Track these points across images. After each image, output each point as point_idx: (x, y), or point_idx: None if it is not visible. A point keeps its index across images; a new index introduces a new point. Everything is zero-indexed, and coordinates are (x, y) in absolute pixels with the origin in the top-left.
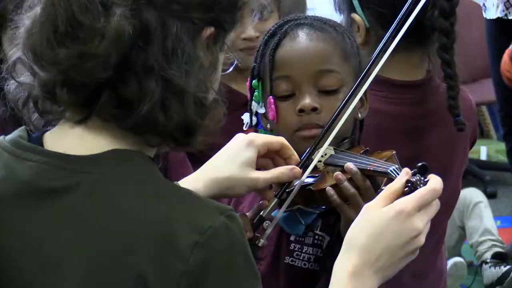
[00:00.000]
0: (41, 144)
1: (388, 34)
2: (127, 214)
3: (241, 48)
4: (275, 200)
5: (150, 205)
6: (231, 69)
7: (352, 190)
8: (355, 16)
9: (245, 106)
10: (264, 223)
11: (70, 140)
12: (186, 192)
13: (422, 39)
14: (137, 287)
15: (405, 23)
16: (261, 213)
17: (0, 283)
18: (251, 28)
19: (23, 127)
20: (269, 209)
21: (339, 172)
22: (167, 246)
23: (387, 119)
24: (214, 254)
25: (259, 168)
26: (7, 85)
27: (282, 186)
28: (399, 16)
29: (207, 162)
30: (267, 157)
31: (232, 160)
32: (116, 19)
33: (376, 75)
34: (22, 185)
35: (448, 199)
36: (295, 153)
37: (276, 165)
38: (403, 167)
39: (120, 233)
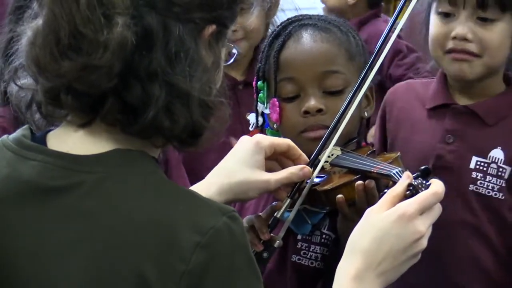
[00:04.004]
0: (45, 144)
1: (388, 28)
2: (129, 214)
3: None
4: (288, 200)
5: (153, 205)
6: (231, 60)
7: (364, 198)
8: None
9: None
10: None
11: (74, 140)
12: (189, 192)
13: None
14: (138, 287)
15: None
16: (275, 214)
17: (1, 282)
18: None
19: (26, 126)
20: (282, 210)
21: (361, 182)
22: (168, 246)
23: None
24: (215, 255)
25: (266, 170)
26: (9, 87)
27: (294, 186)
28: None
29: (216, 167)
30: (273, 159)
31: (242, 164)
32: (119, 29)
33: None
34: (24, 184)
35: None
36: (303, 153)
37: (283, 167)
38: None
39: (122, 233)
